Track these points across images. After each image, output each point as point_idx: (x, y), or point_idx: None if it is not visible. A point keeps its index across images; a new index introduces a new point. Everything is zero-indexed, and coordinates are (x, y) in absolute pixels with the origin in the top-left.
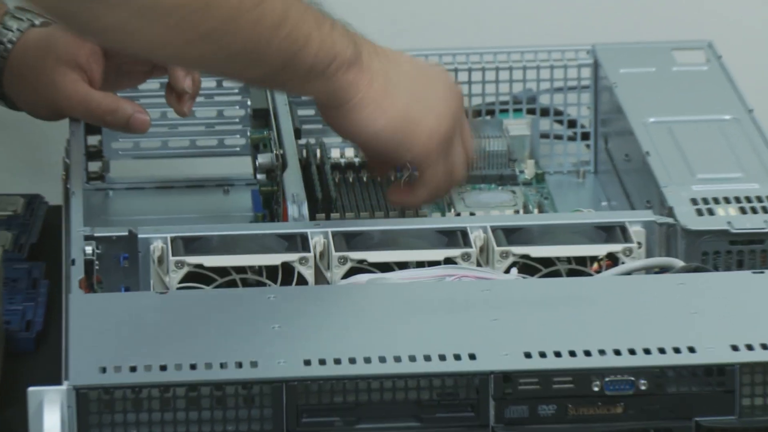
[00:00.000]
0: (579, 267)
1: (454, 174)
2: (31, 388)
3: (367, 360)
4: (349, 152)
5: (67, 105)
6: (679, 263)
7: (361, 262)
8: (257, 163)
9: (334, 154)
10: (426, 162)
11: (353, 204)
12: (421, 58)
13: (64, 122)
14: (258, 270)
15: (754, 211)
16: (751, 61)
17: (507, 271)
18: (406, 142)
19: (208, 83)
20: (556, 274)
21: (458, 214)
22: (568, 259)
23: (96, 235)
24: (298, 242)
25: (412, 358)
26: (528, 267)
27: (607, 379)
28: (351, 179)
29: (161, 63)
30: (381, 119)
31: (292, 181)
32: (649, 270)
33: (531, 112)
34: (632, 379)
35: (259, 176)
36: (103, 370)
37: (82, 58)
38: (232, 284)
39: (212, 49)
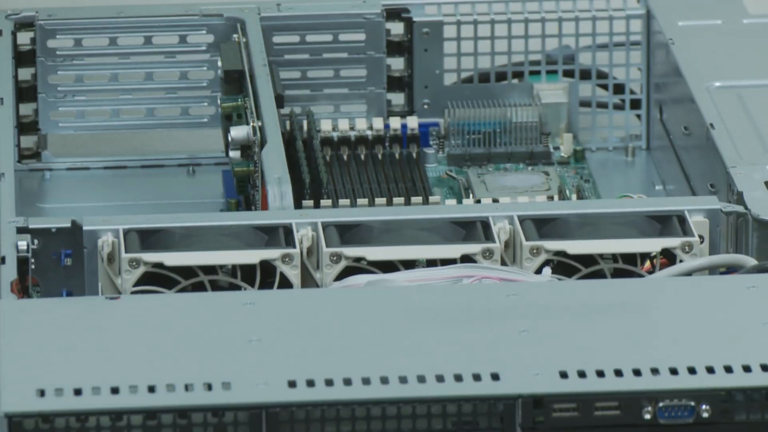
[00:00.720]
0: (627, 266)
1: None
2: None
3: (366, 381)
4: (343, 124)
5: None
6: (751, 261)
7: (358, 260)
8: (230, 137)
9: (325, 126)
10: None
11: (348, 188)
12: None
13: None
14: (231, 270)
15: None
16: None
17: (538, 272)
18: None
19: (169, 39)
20: (598, 275)
21: (478, 201)
22: (614, 257)
23: (31, 227)
24: (280, 236)
25: (421, 379)
26: (564, 266)
27: (661, 404)
28: (345, 157)
29: None
30: None
31: (273, 160)
32: (713, 270)
33: (568, 74)
34: (692, 404)
35: (231, 154)
36: (42, 393)
37: None
38: (199, 287)
39: None
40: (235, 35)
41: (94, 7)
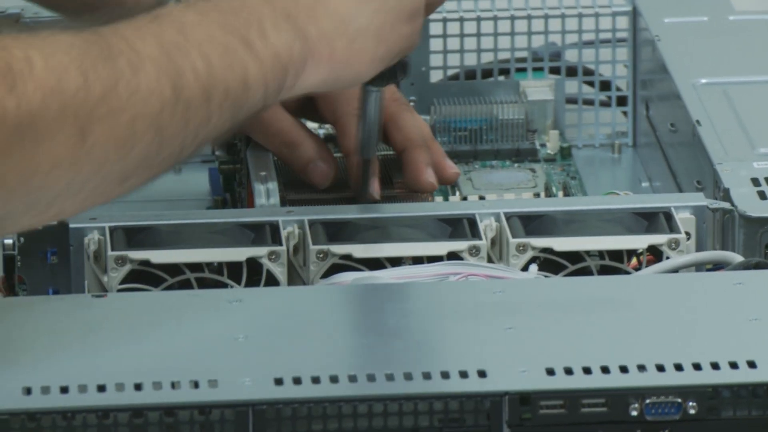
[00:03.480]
0: (614, 263)
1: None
2: None
3: (353, 378)
4: None
5: (246, 122)
6: (737, 258)
7: (344, 257)
8: None
9: (311, 123)
10: (413, 45)
11: (335, 185)
12: None
13: None
14: (218, 267)
15: None
16: None
17: (525, 269)
18: (390, 57)
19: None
20: (585, 271)
21: (465, 198)
22: (600, 254)
23: None
24: (267, 233)
25: (408, 376)
26: (551, 263)
27: (648, 401)
28: (333, 154)
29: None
30: (363, 69)
31: (259, 158)
32: (699, 266)
33: (554, 71)
34: (679, 401)
35: (217, 152)
36: (28, 391)
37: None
38: (185, 285)
39: (146, 172)
40: None
41: None
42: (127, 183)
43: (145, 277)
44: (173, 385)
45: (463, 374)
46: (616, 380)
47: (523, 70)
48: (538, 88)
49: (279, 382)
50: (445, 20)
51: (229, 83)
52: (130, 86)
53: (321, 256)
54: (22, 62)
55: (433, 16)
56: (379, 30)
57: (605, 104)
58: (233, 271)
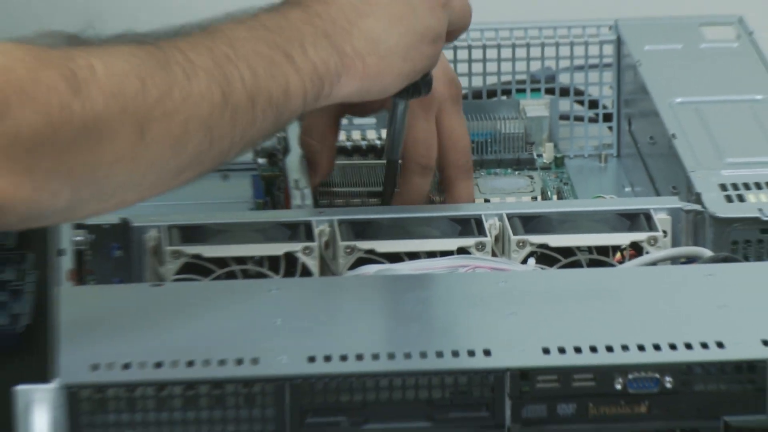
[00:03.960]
0: (601, 257)
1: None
2: (18, 387)
3: (375, 356)
4: (356, 135)
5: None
6: (707, 253)
7: (368, 252)
8: (258, 146)
9: (340, 136)
10: (434, 60)
11: (361, 190)
12: None
13: None
14: (259, 261)
15: None
16: None
17: (524, 262)
18: (415, 72)
19: None
20: (576, 264)
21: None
22: (589, 249)
23: (87, 223)
24: (301, 231)
25: (423, 355)
26: (546, 257)
27: (630, 376)
28: (359, 164)
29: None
30: (390, 83)
31: (295, 166)
32: (675, 260)
33: (550, 92)
34: (657, 376)
35: (259, 161)
36: (95, 367)
37: (317, 134)
38: (231, 276)
39: (198, 168)
40: None
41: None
42: (182, 177)
43: (196, 268)
44: (220, 362)
45: (471, 353)
46: (602, 358)
47: (522, 90)
48: (536, 106)
49: (312, 359)
50: (455, 48)
51: (273, 91)
52: (183, 91)
53: (348, 250)
54: (85, 69)
55: (444, 45)
56: (406, 50)
57: (593, 120)
58: (273, 263)
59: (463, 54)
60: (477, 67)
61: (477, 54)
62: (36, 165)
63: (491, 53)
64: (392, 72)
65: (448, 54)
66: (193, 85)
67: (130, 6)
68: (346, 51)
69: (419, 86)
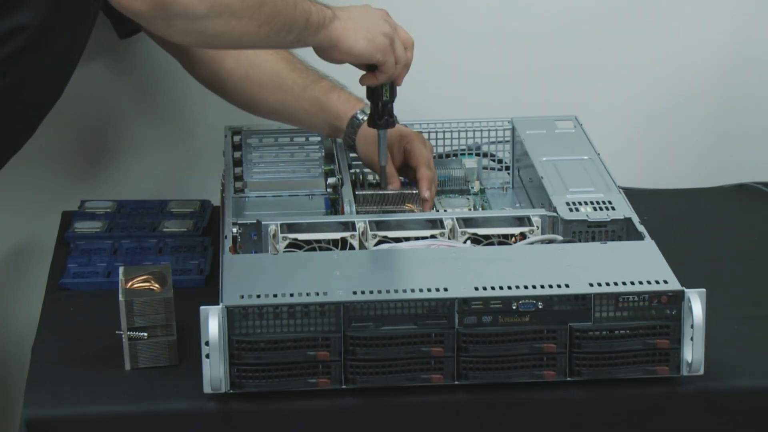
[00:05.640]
0: (504, 240)
1: (401, 60)
2: (202, 307)
3: (388, 291)
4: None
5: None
6: (559, 238)
7: (384, 237)
8: (327, 182)
9: (369, 177)
10: (383, 54)
11: (379, 204)
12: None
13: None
14: (328, 242)
15: (600, 209)
16: (600, 126)
17: (465, 243)
18: (371, 46)
19: (298, 137)
20: (491, 244)
21: (437, 211)
22: (499, 236)
23: (239, 222)
24: (350, 226)
25: (413, 290)
26: (476, 240)
27: (520, 302)
28: (373, 193)
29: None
30: (357, 40)
31: (346, 192)
32: (543, 241)
33: (478, 155)
34: (534, 302)
35: (329, 189)
36: (242, 297)
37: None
38: (313, 250)
39: (270, 29)
40: None
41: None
42: (262, 29)
43: (295, 246)
44: (307, 294)
45: (437, 289)
46: (505, 293)
47: (463, 154)
48: (470, 162)
49: (355, 293)
50: (436, 132)
51: (301, 8)
52: None
53: (373, 236)
54: None
55: (415, 126)
56: (370, 24)
57: (500, 169)
58: (334, 243)
59: (434, 135)
60: (441, 142)
61: (441, 134)
62: None
63: (448, 135)
64: (361, 33)
65: (426, 134)
66: None
67: None
68: (338, 14)
69: (391, 123)
